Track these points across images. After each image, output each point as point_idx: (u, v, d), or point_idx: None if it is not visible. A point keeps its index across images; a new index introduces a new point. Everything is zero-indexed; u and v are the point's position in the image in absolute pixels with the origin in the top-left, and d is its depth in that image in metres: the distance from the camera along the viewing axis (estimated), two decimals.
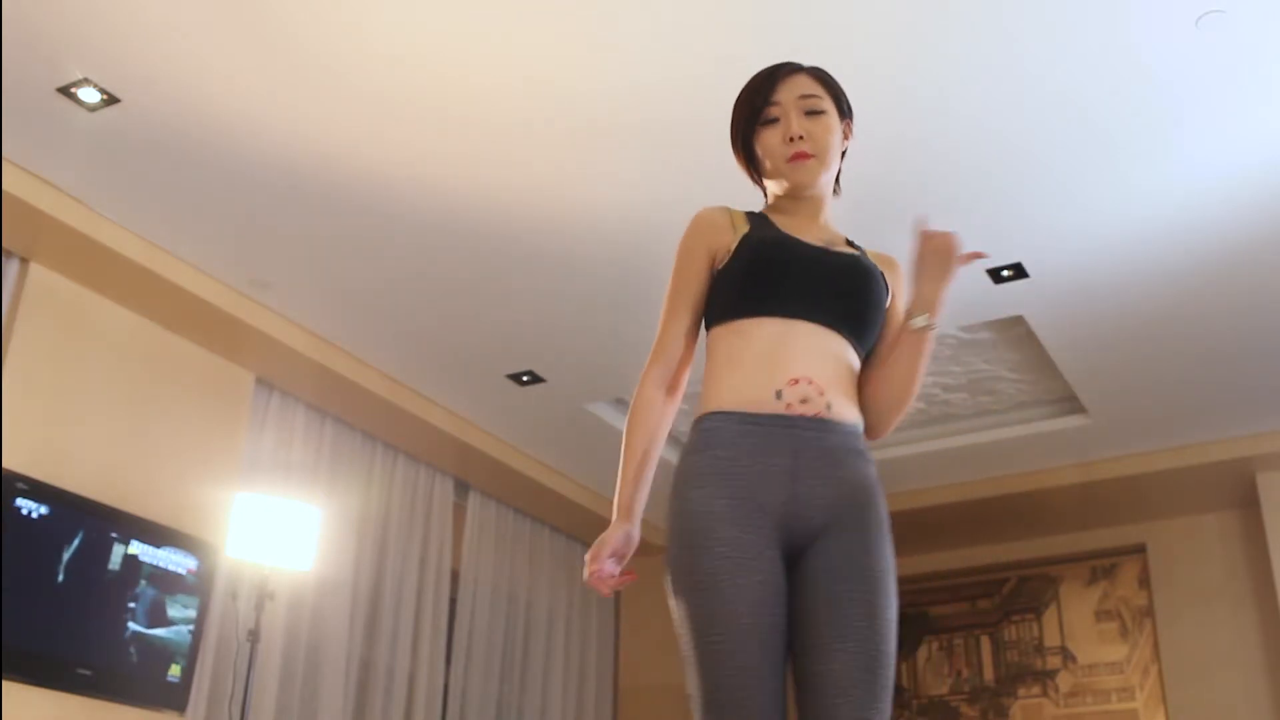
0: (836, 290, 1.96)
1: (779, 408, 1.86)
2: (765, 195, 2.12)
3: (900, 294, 2.07)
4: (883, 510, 1.90)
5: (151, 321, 4.67)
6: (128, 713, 4.31)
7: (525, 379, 5.33)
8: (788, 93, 2.03)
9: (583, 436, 5.90)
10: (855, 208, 4.05)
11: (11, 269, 4.27)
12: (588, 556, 1.96)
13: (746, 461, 1.83)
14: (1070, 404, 5.68)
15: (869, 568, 1.82)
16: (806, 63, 2.11)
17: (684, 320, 2.02)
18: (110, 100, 3.64)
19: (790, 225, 2.03)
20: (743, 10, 3.30)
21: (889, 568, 1.84)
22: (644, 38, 3.41)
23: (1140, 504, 6.37)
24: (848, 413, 1.91)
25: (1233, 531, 6.40)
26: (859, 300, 1.98)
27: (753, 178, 2.11)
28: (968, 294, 4.66)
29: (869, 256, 2.08)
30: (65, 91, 3.60)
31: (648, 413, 1.99)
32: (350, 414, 5.49)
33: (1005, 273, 4.52)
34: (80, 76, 3.55)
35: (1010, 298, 4.70)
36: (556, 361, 5.20)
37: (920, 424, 5.91)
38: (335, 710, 5.17)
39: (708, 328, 2.01)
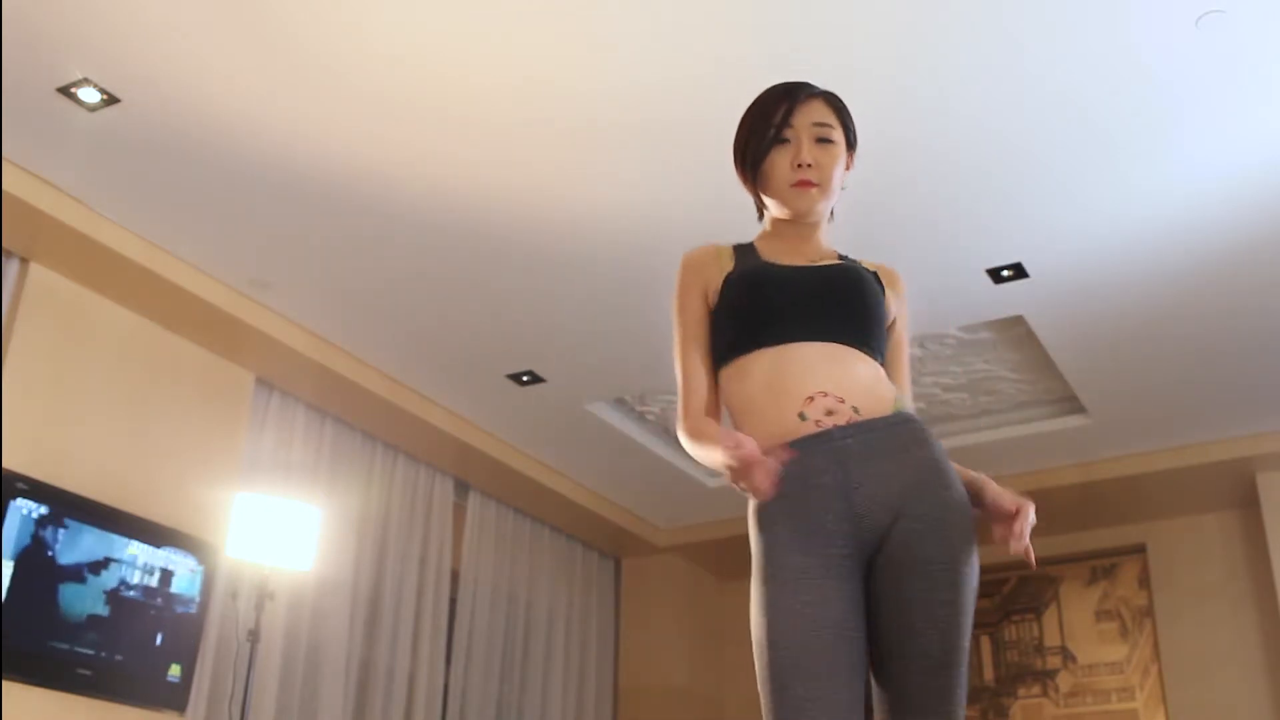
0: (826, 302, 1.96)
1: (809, 428, 1.85)
2: (760, 215, 2.12)
3: (902, 309, 2.08)
4: (951, 490, 1.85)
5: (151, 321, 4.67)
6: (128, 713, 4.31)
7: (525, 379, 5.33)
8: (804, 117, 2.02)
9: (583, 436, 5.90)
10: (854, 207, 4.06)
11: (11, 269, 4.27)
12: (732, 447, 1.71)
13: (799, 488, 1.81)
14: (1070, 404, 5.68)
15: (930, 559, 1.79)
16: (821, 86, 2.09)
17: (700, 362, 2.04)
18: (110, 100, 3.64)
19: (777, 250, 2.05)
20: (743, 11, 3.30)
21: (957, 552, 1.81)
22: (644, 38, 3.41)
23: (1140, 504, 6.37)
24: (881, 407, 1.89)
25: (1233, 531, 6.40)
26: (850, 305, 1.97)
27: (752, 193, 2.09)
28: (968, 294, 4.66)
29: (862, 265, 2.08)
30: (65, 91, 3.60)
31: (703, 426, 1.97)
32: (350, 414, 5.49)
33: (1005, 273, 4.52)
34: (80, 76, 3.55)
35: (1010, 298, 4.70)
36: (556, 361, 5.20)
37: None
38: (335, 710, 5.17)
39: (715, 372, 2.02)
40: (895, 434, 1.87)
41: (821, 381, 1.87)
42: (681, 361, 2.06)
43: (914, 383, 5.46)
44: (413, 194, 4.09)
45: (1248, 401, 5.46)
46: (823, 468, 1.83)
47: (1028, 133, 3.77)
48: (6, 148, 3.85)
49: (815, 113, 2.03)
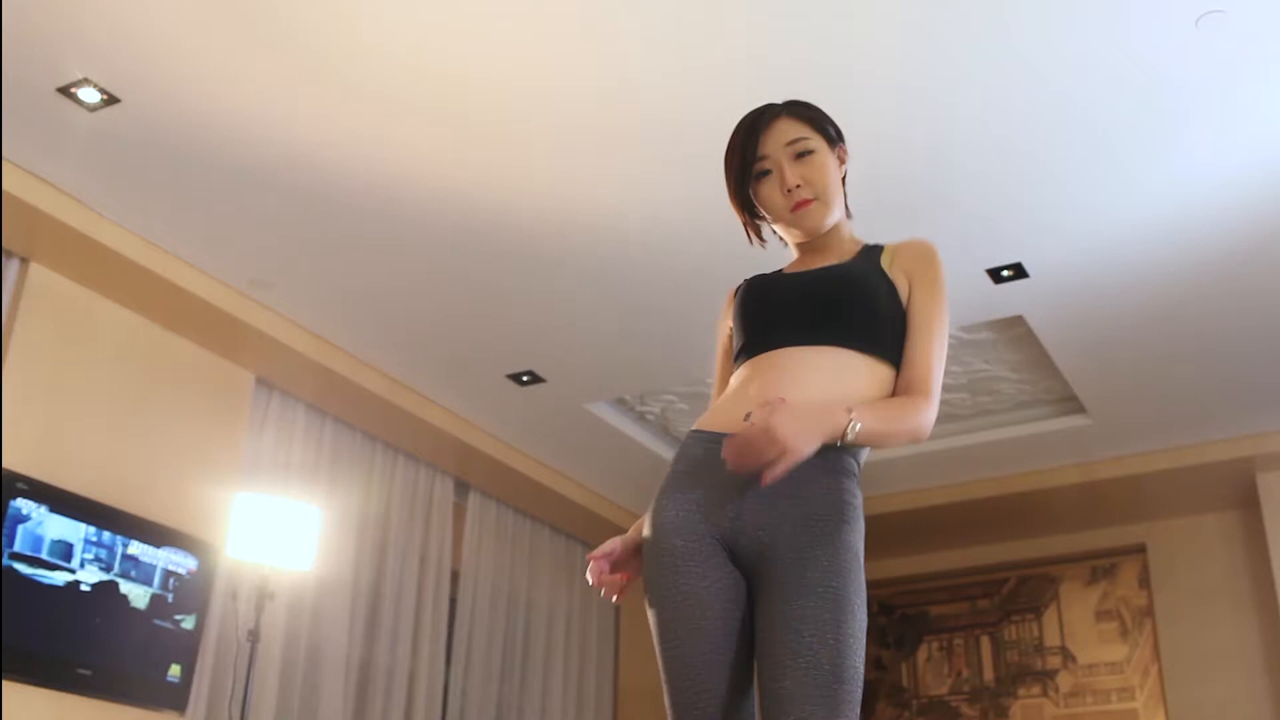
0: (812, 307, 1.95)
1: (742, 427, 1.81)
2: (763, 244, 2.13)
3: (921, 276, 1.98)
4: (847, 527, 1.80)
5: (151, 321, 4.67)
6: (128, 713, 4.31)
7: (525, 379, 5.33)
8: (774, 143, 2.01)
9: (583, 436, 5.90)
10: (855, 207, 4.07)
11: (11, 269, 4.27)
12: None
13: (703, 476, 1.85)
14: (1070, 404, 5.68)
15: (820, 584, 1.74)
16: (781, 100, 2.08)
17: (721, 376, 2.13)
18: (110, 100, 3.64)
19: (802, 265, 2.07)
20: (744, 11, 3.30)
21: (847, 584, 1.75)
22: (644, 37, 3.41)
23: (1140, 504, 6.37)
24: None
25: (1233, 531, 6.40)
26: (838, 308, 1.94)
27: (749, 230, 2.09)
28: (968, 294, 4.66)
29: (880, 252, 2.03)
30: (65, 91, 3.60)
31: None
32: (350, 414, 5.49)
33: (1005, 273, 4.52)
34: (80, 76, 3.55)
35: (1010, 298, 4.70)
36: (556, 361, 5.20)
37: None
38: (335, 710, 5.17)
39: None
40: (814, 461, 1.77)
41: (786, 388, 1.85)
42: (716, 382, 2.17)
43: None
44: (413, 194, 4.09)
45: (1248, 401, 5.46)
46: (721, 460, 1.80)
47: (1028, 133, 3.77)
48: (6, 148, 3.85)
49: (784, 132, 2.01)
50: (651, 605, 1.85)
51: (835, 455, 1.84)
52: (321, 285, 4.67)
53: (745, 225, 2.08)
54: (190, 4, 3.28)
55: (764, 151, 2.01)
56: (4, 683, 3.90)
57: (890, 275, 1.98)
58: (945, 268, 2.01)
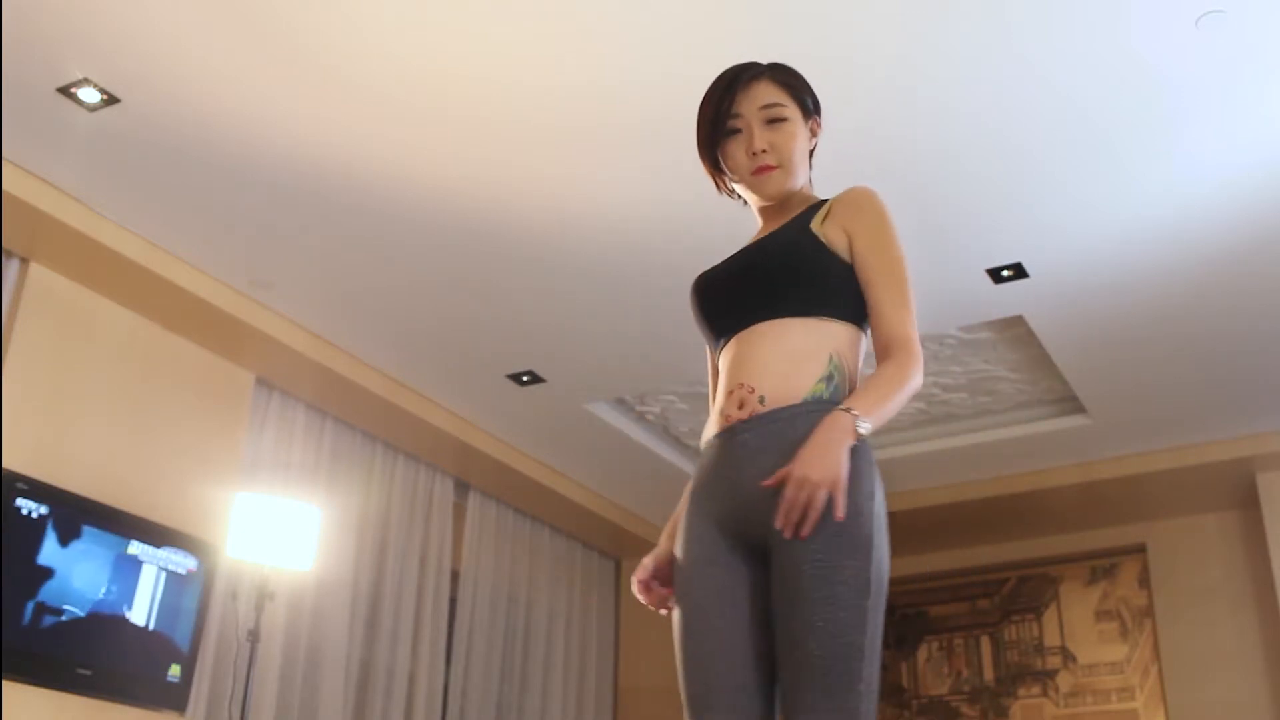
0: (740, 289, 1.98)
1: (721, 424, 1.90)
2: (733, 196, 2.14)
3: (861, 224, 1.93)
4: (852, 513, 1.75)
5: (151, 321, 4.67)
6: (128, 713, 4.31)
7: (525, 379, 5.33)
8: (749, 103, 2.01)
9: (583, 436, 5.90)
10: None
11: (11, 269, 4.27)
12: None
13: (706, 480, 1.92)
14: (1070, 404, 5.68)
15: (812, 562, 1.72)
16: (766, 61, 2.08)
17: (711, 362, 2.15)
18: (110, 100, 3.64)
19: (755, 238, 2.10)
20: (743, 11, 3.30)
21: (840, 555, 1.72)
22: (643, 38, 3.41)
23: (1140, 504, 6.37)
24: (790, 394, 1.84)
25: (1233, 531, 6.40)
26: (768, 277, 1.94)
27: (719, 184, 2.11)
28: (968, 294, 4.66)
29: (820, 210, 1.99)
30: (65, 91, 3.60)
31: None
32: (350, 414, 5.49)
33: (1005, 273, 4.52)
34: (80, 76, 3.55)
35: (1010, 298, 4.70)
36: (556, 361, 5.20)
37: (920, 424, 5.92)
38: (335, 710, 5.17)
39: None
40: (793, 425, 1.81)
41: (744, 373, 1.89)
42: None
43: None
44: (413, 194, 4.09)
45: (1248, 401, 5.46)
46: (725, 462, 1.87)
47: (1028, 133, 3.77)
48: (6, 148, 3.85)
49: (761, 95, 2.01)
50: (676, 605, 1.91)
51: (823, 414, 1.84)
52: (321, 285, 4.67)
53: (713, 177, 2.09)
54: (190, 4, 3.28)
55: (737, 109, 2.01)
56: (4, 683, 3.90)
57: (819, 231, 1.94)
58: (886, 207, 1.96)
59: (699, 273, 2.10)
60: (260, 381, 5.16)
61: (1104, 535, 6.68)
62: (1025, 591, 6.87)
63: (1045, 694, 6.63)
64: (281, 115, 3.72)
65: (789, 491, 1.70)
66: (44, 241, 4.19)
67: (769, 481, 1.75)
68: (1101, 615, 6.65)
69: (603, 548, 7.20)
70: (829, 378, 1.87)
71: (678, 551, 1.93)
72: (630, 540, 6.96)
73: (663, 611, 1.98)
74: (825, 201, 2.02)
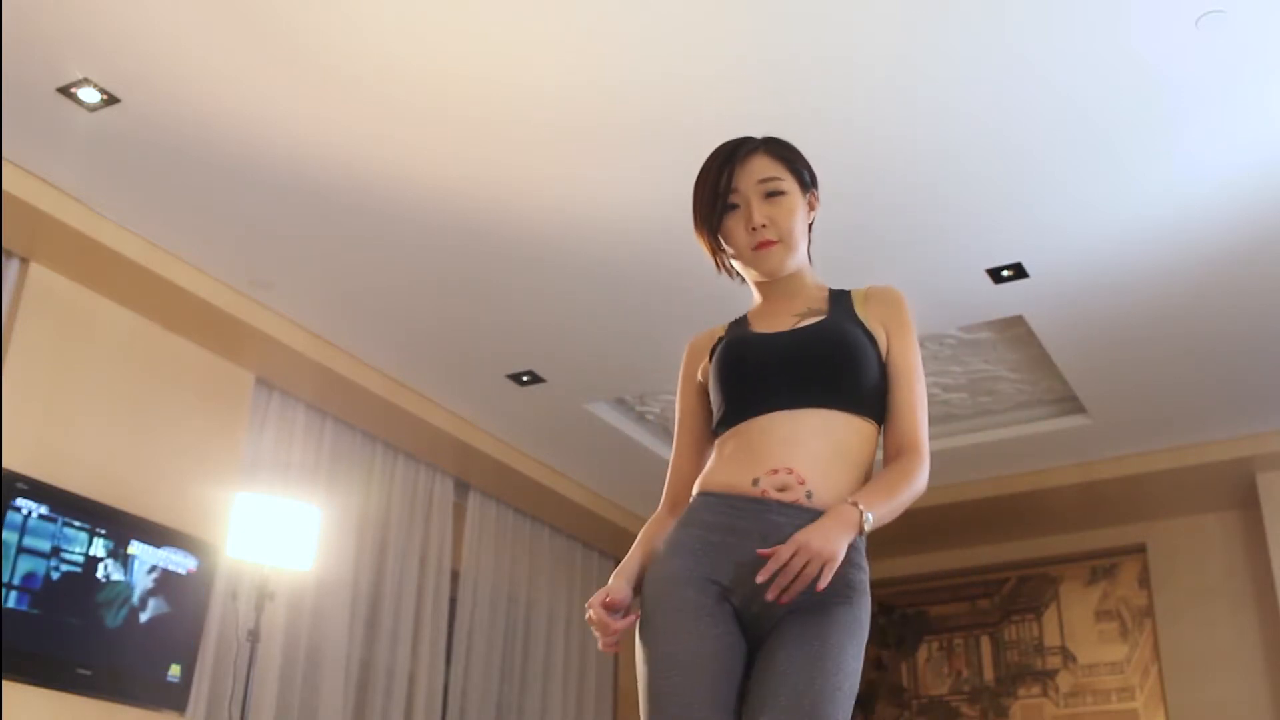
0: (797, 371, 1.93)
1: (755, 492, 1.86)
2: (732, 275, 2.11)
3: (897, 325, 2.00)
4: (849, 606, 1.81)
5: (151, 321, 4.67)
6: (128, 713, 4.31)
7: (525, 379, 5.33)
8: (746, 178, 1.99)
9: (583, 436, 5.90)
10: (855, 208, 4.07)
11: (11, 269, 4.27)
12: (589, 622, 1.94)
13: (715, 538, 1.86)
14: (1070, 404, 5.68)
15: (815, 638, 1.76)
16: (761, 135, 2.07)
17: (685, 450, 2.11)
18: (110, 100, 3.64)
19: (765, 313, 2.05)
20: (743, 11, 3.30)
21: (844, 643, 1.77)
22: (644, 38, 3.41)
23: (1140, 504, 6.37)
24: (835, 493, 1.85)
25: (1233, 531, 6.40)
26: (824, 366, 1.93)
27: (717, 263, 2.08)
28: (968, 294, 4.66)
29: (852, 301, 2.02)
30: (65, 91, 3.60)
31: (644, 532, 2.06)
32: (350, 414, 5.49)
33: (1005, 273, 4.52)
34: (80, 76, 3.55)
35: (1010, 298, 4.70)
36: (556, 361, 5.20)
37: None
38: (335, 710, 5.17)
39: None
40: None
41: (789, 456, 1.86)
42: (674, 446, 2.14)
43: None
44: (413, 194, 4.09)
45: (1248, 401, 5.46)
46: (747, 530, 1.83)
47: (1028, 133, 3.77)
48: (6, 148, 3.85)
49: (758, 169, 2.00)
50: (649, 642, 1.83)
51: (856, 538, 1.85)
52: (321, 285, 4.67)
53: (712, 254, 2.06)
54: (190, 4, 3.28)
55: (735, 185, 1.99)
56: (4, 683, 3.90)
57: (868, 326, 1.97)
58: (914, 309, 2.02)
59: (707, 347, 2.07)
60: (260, 381, 5.16)
61: (1104, 535, 6.68)
62: (1025, 591, 6.88)
63: (1045, 694, 6.64)
64: (281, 115, 3.72)
65: (785, 551, 1.73)
66: (44, 241, 4.19)
67: (766, 551, 1.75)
68: (1101, 615, 6.65)
69: (603, 548, 7.20)
70: (863, 490, 1.89)
71: (670, 591, 1.86)
72: (630, 540, 6.93)
73: (603, 646, 1.91)
74: (847, 291, 2.04)
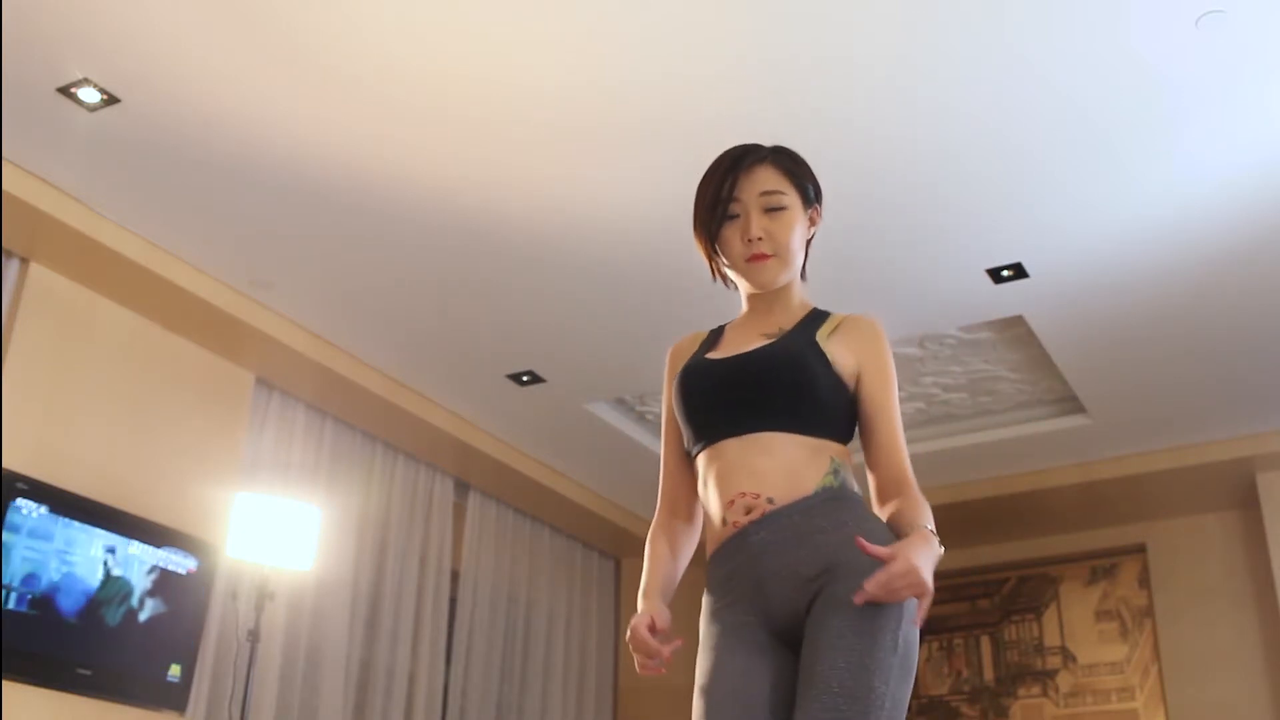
0: (741, 392, 1.93)
1: (729, 531, 1.88)
2: (727, 283, 2.11)
3: (872, 358, 1.97)
4: (858, 572, 1.76)
5: (151, 321, 4.67)
6: (128, 713, 4.31)
7: (525, 379, 5.33)
8: (749, 189, 1.98)
9: (583, 436, 5.90)
10: (856, 209, 4.07)
11: (11, 269, 4.27)
12: (632, 647, 1.93)
13: (728, 597, 1.89)
14: (1070, 404, 5.68)
15: (842, 629, 1.75)
16: (770, 145, 2.06)
17: (671, 456, 2.10)
18: (110, 100, 3.64)
19: (740, 326, 2.06)
20: (743, 11, 3.30)
21: (866, 626, 1.75)
22: (644, 38, 3.41)
23: (1140, 504, 6.37)
24: (799, 490, 1.86)
25: (1233, 531, 6.40)
26: (770, 388, 1.91)
27: (712, 268, 2.06)
28: (968, 294, 4.67)
29: (822, 323, 2.00)
30: (65, 91, 3.60)
31: (651, 546, 2.06)
32: (350, 414, 5.49)
33: (1005, 273, 4.52)
34: (80, 76, 3.55)
35: (1010, 298, 4.70)
36: (556, 361, 5.20)
37: (920, 424, 5.91)
38: (335, 710, 5.17)
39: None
40: (809, 518, 1.84)
41: (743, 480, 1.87)
42: (662, 452, 2.12)
43: (913, 383, 5.46)
44: (413, 194, 4.09)
45: (1248, 401, 5.46)
46: (742, 570, 1.86)
47: (1028, 133, 3.77)
48: (6, 148, 3.85)
49: (761, 181, 1.98)
50: (705, 656, 1.88)
51: (834, 507, 1.87)
52: (321, 285, 4.67)
53: (707, 259, 2.05)
54: (190, 4, 3.28)
55: (737, 194, 1.98)
56: (4, 683, 3.90)
57: (825, 349, 1.94)
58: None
59: (686, 355, 2.07)
60: (260, 381, 5.16)
61: (1104, 535, 6.68)
62: (1025, 591, 6.87)
63: (1045, 694, 6.63)
64: (281, 115, 3.72)
65: (898, 567, 1.70)
66: (44, 241, 4.19)
67: (871, 549, 1.72)
68: (1101, 615, 6.65)
69: (603, 548, 7.20)
70: (835, 471, 1.90)
71: (723, 616, 1.89)
72: (630, 540, 6.96)
73: (641, 669, 1.93)
74: (826, 313, 2.02)
